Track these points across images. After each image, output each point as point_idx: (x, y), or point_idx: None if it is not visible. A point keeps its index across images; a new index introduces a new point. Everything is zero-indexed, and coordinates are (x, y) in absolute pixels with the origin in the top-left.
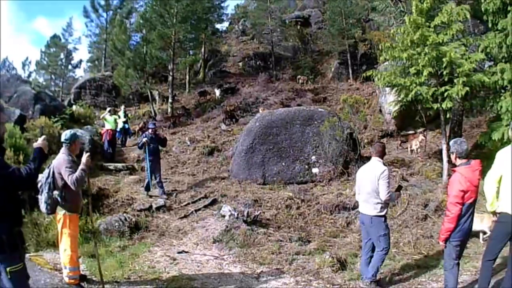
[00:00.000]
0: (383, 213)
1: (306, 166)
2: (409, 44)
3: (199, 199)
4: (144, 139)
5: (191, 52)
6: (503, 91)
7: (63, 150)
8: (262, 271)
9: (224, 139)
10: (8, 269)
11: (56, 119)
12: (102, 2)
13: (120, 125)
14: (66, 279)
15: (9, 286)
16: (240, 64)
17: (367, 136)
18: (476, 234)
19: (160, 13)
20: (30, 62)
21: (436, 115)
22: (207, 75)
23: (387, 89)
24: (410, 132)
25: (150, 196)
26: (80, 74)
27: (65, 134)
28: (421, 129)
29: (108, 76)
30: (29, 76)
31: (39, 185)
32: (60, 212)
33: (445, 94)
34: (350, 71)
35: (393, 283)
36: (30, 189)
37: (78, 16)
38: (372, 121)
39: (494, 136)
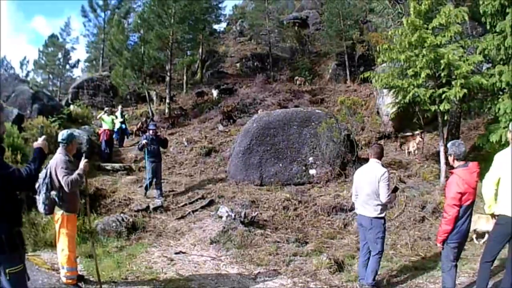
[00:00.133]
0: (382, 215)
1: (304, 168)
2: (407, 46)
3: (196, 200)
4: (144, 141)
5: (188, 52)
6: (501, 93)
7: (60, 150)
8: (259, 272)
9: (222, 140)
10: (7, 270)
11: (53, 118)
12: (100, 2)
13: (117, 125)
14: (64, 279)
15: None
16: (238, 65)
17: (364, 138)
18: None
19: (158, 14)
20: (28, 62)
21: (434, 117)
22: (205, 76)
23: (385, 90)
24: (408, 134)
25: (148, 197)
26: (78, 74)
27: (62, 134)
28: (418, 131)
29: (105, 76)
30: (27, 75)
31: (36, 185)
32: (58, 212)
33: (443, 96)
34: (348, 73)
35: (391, 285)
36: (30, 189)
37: (76, 15)
38: (370, 123)
39: (492, 138)
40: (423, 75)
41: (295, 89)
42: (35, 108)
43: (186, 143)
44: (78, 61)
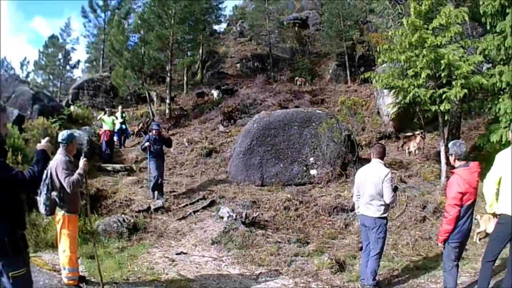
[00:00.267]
0: (385, 215)
1: (304, 168)
2: (407, 46)
3: (198, 201)
4: (146, 143)
5: (189, 53)
6: (501, 93)
7: (60, 150)
8: (260, 273)
9: (222, 140)
10: (10, 273)
11: (54, 119)
12: (100, 3)
13: (117, 126)
14: (65, 280)
15: None
16: (238, 65)
17: (365, 138)
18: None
19: (158, 14)
20: (28, 62)
21: (434, 117)
22: (205, 76)
23: (385, 91)
24: (409, 134)
25: (149, 198)
26: (78, 74)
27: (62, 135)
28: (419, 131)
29: (106, 77)
30: (27, 76)
31: None
32: (59, 213)
33: (443, 96)
34: (348, 73)
35: (392, 284)
36: (32, 192)
37: (76, 16)
38: (370, 123)
39: (493, 138)
40: (423, 75)
41: (295, 89)
42: (36, 109)
43: (186, 144)
44: (78, 61)
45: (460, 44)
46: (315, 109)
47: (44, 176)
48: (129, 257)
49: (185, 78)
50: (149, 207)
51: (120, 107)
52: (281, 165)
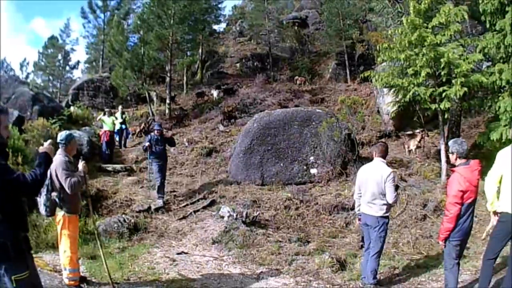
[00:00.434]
0: (387, 214)
1: (305, 167)
2: (406, 45)
3: (198, 200)
4: (147, 143)
5: (188, 53)
6: (501, 91)
7: (59, 151)
8: (261, 272)
9: (222, 140)
10: (13, 277)
11: (54, 120)
12: (100, 3)
13: (117, 126)
14: (66, 281)
15: None
16: (238, 65)
17: (365, 137)
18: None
19: (157, 14)
20: (28, 63)
21: (434, 116)
22: (205, 76)
23: (385, 90)
24: (409, 132)
25: (150, 198)
26: (78, 75)
27: (61, 135)
28: (419, 130)
29: (105, 77)
30: (27, 77)
31: None
32: (59, 214)
33: (443, 95)
34: (348, 72)
35: (393, 283)
36: (34, 195)
37: (76, 17)
38: (370, 122)
39: (493, 136)
40: (423, 74)
41: (295, 88)
42: (36, 109)
43: (187, 144)
44: (78, 62)
45: (459, 43)
46: (315, 108)
47: None
48: (130, 257)
49: (185, 78)
50: (149, 207)
51: (120, 107)
52: (281, 164)
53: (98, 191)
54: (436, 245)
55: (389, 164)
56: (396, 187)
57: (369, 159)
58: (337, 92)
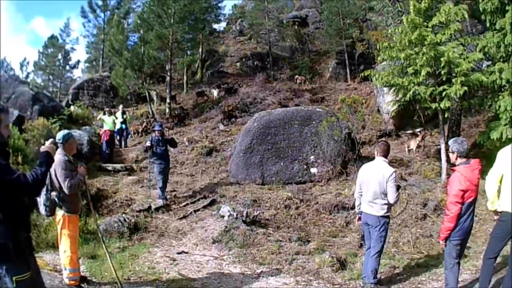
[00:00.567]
0: (389, 214)
1: (305, 166)
2: (407, 44)
3: (198, 200)
4: (148, 143)
5: (188, 52)
6: (501, 90)
7: (58, 151)
8: (262, 271)
9: (223, 139)
10: (14, 278)
11: (54, 120)
12: (100, 3)
13: (117, 125)
14: (66, 281)
15: None
16: (238, 64)
17: (365, 136)
18: (476, 233)
19: (157, 14)
20: (28, 63)
21: (434, 115)
22: (205, 76)
23: (385, 89)
24: (409, 131)
25: (150, 197)
26: (78, 74)
27: (59, 135)
28: (419, 129)
29: (106, 77)
30: (27, 77)
31: None
32: (59, 213)
33: (443, 94)
34: (348, 71)
35: (393, 282)
36: (36, 195)
37: (76, 16)
38: (370, 121)
39: (493, 135)
40: (423, 73)
41: (295, 88)
42: (36, 109)
43: (187, 143)
44: (78, 62)
45: (460, 42)
46: (315, 107)
47: None
48: (130, 257)
49: (185, 77)
50: (149, 207)
51: (121, 107)
52: (282, 164)
53: (98, 191)
54: (436, 244)
55: (390, 163)
56: (398, 187)
57: (369, 158)
58: (337, 91)
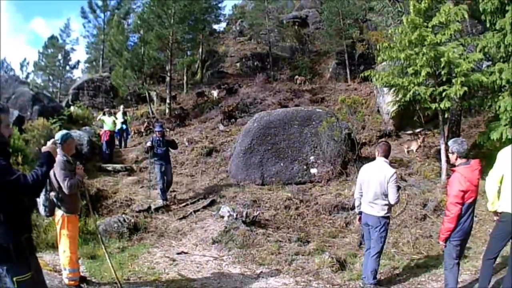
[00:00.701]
0: (389, 214)
1: (305, 167)
2: (407, 44)
3: (198, 200)
4: (148, 144)
5: (188, 52)
6: (501, 90)
7: (57, 151)
8: (261, 272)
9: (222, 139)
10: (14, 278)
11: (54, 120)
12: (100, 3)
13: (118, 126)
14: (66, 281)
15: None
16: (238, 64)
17: (365, 137)
18: (475, 234)
19: (157, 14)
20: (28, 63)
21: (434, 115)
22: (205, 76)
23: (385, 89)
24: (409, 132)
25: (156, 198)
26: (78, 75)
27: (57, 135)
28: (419, 129)
29: (106, 77)
30: (27, 77)
31: None
32: (58, 213)
33: (443, 94)
34: (348, 72)
35: (393, 283)
36: (36, 195)
37: (76, 17)
38: (370, 121)
39: (493, 136)
40: (423, 73)
41: (295, 88)
42: (36, 109)
43: (187, 143)
44: (78, 62)
45: (459, 42)
46: (315, 107)
47: None
48: (129, 257)
49: (185, 77)
50: (149, 207)
51: (122, 107)
52: (282, 164)
53: (98, 191)
54: (436, 245)
55: (390, 163)
56: (398, 188)
57: (369, 158)
58: (337, 91)
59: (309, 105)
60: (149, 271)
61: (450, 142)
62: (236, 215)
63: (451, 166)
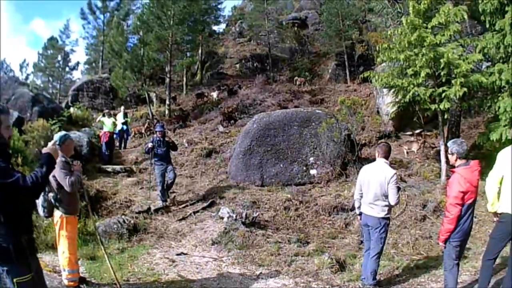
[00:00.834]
0: (389, 215)
1: (304, 168)
2: (406, 45)
3: (197, 201)
4: (150, 144)
5: (188, 54)
6: (501, 91)
7: None
8: (261, 273)
9: (222, 141)
10: (14, 279)
11: (54, 121)
12: (99, 4)
13: (118, 126)
14: (65, 282)
15: None
16: (237, 65)
17: (364, 138)
18: (475, 234)
19: (157, 15)
20: (27, 64)
21: (434, 116)
22: (204, 77)
23: (385, 90)
24: (408, 133)
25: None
26: (78, 76)
27: (56, 136)
28: (418, 130)
29: (105, 78)
30: (26, 78)
31: None
32: (57, 214)
33: (443, 95)
34: (348, 73)
35: (393, 284)
36: (35, 197)
37: (75, 18)
38: (370, 122)
39: (492, 136)
40: (423, 74)
41: (295, 89)
42: (35, 110)
43: (186, 145)
44: (78, 63)
45: (459, 43)
46: (314, 109)
47: None
48: (129, 258)
49: (184, 79)
50: (149, 208)
51: (122, 108)
52: (281, 165)
53: (97, 192)
54: (435, 245)
55: (389, 164)
56: (398, 189)
57: (369, 159)
58: (337, 92)
59: (308, 106)
60: (148, 272)
61: (449, 143)
62: (236, 216)
63: (450, 167)
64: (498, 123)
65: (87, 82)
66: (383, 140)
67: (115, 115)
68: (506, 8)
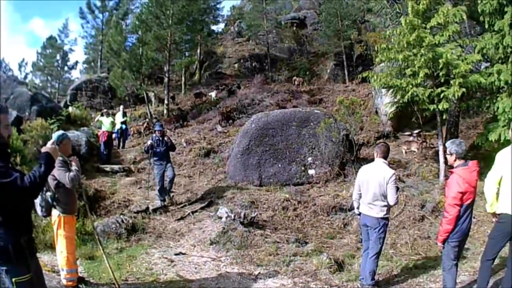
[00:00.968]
0: (388, 215)
1: (303, 168)
2: (405, 46)
3: (196, 201)
4: (149, 142)
5: (186, 53)
6: (500, 92)
7: None
8: (259, 273)
9: (220, 140)
10: (14, 279)
11: (52, 120)
12: (98, 4)
13: (118, 125)
14: (64, 282)
15: None
16: (236, 65)
17: (363, 138)
18: (474, 235)
19: (156, 15)
20: (26, 64)
21: (433, 116)
22: (203, 77)
23: (383, 90)
24: (407, 133)
25: (147, 198)
26: (76, 75)
27: (54, 136)
28: (417, 130)
29: (104, 78)
30: (25, 77)
31: None
32: (55, 214)
33: (442, 95)
34: (346, 73)
35: (391, 284)
36: (33, 197)
37: (74, 17)
38: (368, 123)
39: (491, 137)
40: (421, 74)
41: (293, 89)
42: (34, 110)
43: (185, 144)
44: (77, 62)
45: (458, 43)
46: (313, 109)
47: None
48: (127, 258)
49: (183, 78)
50: (147, 208)
51: (121, 107)
52: (279, 165)
53: (96, 192)
54: (434, 246)
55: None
56: (397, 189)
57: (367, 159)
58: (335, 92)
59: (307, 106)
60: (147, 272)
61: (448, 143)
62: (234, 216)
63: (449, 167)
64: (496, 123)
65: (86, 82)
66: (381, 140)
67: (113, 114)
68: (505, 9)
